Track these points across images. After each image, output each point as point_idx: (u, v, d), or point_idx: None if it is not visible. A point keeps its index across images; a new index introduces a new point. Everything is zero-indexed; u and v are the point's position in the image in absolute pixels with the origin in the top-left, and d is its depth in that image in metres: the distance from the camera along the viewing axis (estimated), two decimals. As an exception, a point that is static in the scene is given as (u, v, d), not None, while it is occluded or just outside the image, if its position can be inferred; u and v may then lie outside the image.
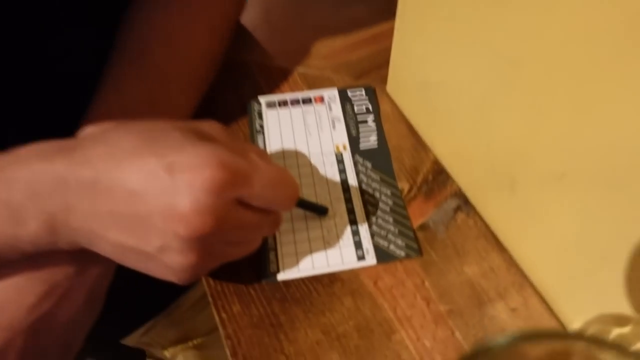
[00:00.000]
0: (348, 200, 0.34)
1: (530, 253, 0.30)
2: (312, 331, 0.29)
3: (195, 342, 0.53)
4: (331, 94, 0.41)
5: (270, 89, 0.42)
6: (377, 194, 0.35)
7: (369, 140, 0.38)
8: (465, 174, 0.34)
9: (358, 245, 0.32)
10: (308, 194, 0.35)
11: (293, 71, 0.43)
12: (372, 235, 0.33)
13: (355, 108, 0.40)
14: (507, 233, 0.31)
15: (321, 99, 0.41)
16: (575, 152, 0.23)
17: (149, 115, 0.31)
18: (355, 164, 0.37)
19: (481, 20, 0.26)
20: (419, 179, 0.35)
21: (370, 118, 0.39)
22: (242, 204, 0.25)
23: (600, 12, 0.19)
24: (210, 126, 0.27)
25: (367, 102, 0.40)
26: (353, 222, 0.33)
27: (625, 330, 0.24)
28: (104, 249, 0.25)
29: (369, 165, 0.36)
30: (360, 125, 0.39)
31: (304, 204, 0.33)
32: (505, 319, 0.29)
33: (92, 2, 0.36)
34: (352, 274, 0.31)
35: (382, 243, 0.32)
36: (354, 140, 0.38)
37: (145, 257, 0.25)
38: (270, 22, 0.48)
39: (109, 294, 0.30)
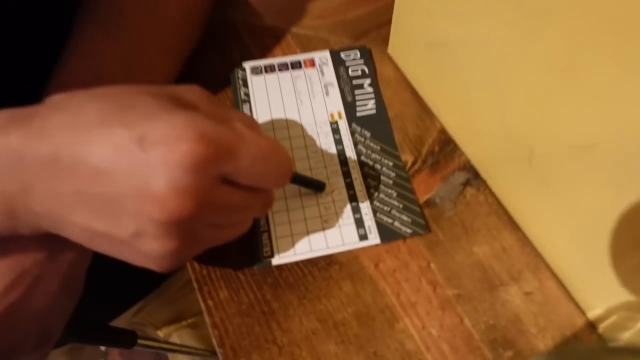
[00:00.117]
0: (346, 174, 0.32)
1: (547, 231, 0.27)
2: (307, 319, 0.26)
3: (189, 321, 0.51)
4: (323, 56, 0.38)
5: (261, 52, 0.38)
6: (377, 166, 0.32)
7: (366, 106, 0.35)
8: (475, 145, 0.31)
9: (359, 223, 0.30)
10: (302, 169, 0.32)
11: (285, 32, 0.39)
12: (375, 211, 0.30)
13: (350, 71, 0.37)
14: (521, 209, 0.29)
15: (312, 63, 0.37)
16: (611, 118, 0.20)
17: (124, 83, 0.28)
18: (353, 133, 0.33)
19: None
20: (424, 150, 0.32)
21: (366, 82, 0.36)
22: (228, 181, 0.22)
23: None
24: (191, 91, 0.24)
25: (362, 64, 0.37)
26: (353, 198, 0.31)
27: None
28: (72, 234, 0.22)
29: (367, 134, 0.33)
30: (355, 90, 0.36)
31: (299, 180, 0.30)
32: (518, 304, 0.26)
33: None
34: (351, 255, 0.28)
35: (386, 220, 0.30)
36: (349, 107, 0.35)
37: (118, 243, 0.22)
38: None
39: (94, 275, 0.28)
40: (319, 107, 0.35)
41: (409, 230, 0.29)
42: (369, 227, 0.30)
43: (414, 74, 0.36)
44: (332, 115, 0.35)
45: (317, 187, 0.31)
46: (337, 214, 0.30)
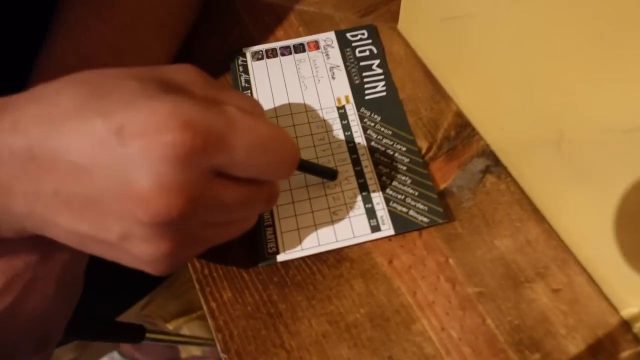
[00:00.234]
0: (356, 162, 0.29)
1: (576, 222, 0.25)
2: (316, 321, 0.25)
3: (199, 312, 0.50)
4: (327, 38, 0.35)
5: (261, 32, 0.35)
6: (390, 152, 0.30)
7: (376, 88, 0.33)
8: (496, 128, 0.29)
9: (371, 213, 0.28)
10: (308, 158, 0.30)
11: (286, 9, 0.36)
12: (387, 200, 0.28)
13: (357, 52, 0.34)
14: (547, 199, 0.27)
15: (316, 45, 0.35)
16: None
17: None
18: (362, 118, 0.31)
19: None
20: (439, 135, 0.30)
21: (375, 63, 0.34)
22: (223, 175, 0.20)
23: None
24: (182, 71, 0.21)
25: (370, 44, 0.35)
26: (363, 187, 0.29)
27: None
28: (59, 237, 0.21)
29: (377, 118, 0.31)
30: (364, 72, 0.33)
31: (307, 168, 0.27)
32: (546, 302, 0.24)
33: None
34: (363, 251, 0.26)
35: (400, 209, 0.28)
36: (357, 90, 0.33)
37: (107, 246, 0.20)
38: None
39: (99, 270, 0.27)
40: (324, 92, 0.33)
41: (425, 220, 0.27)
42: (382, 217, 0.27)
43: (427, 52, 0.33)
44: (339, 100, 0.32)
45: (328, 175, 0.28)
46: (347, 205, 0.28)
